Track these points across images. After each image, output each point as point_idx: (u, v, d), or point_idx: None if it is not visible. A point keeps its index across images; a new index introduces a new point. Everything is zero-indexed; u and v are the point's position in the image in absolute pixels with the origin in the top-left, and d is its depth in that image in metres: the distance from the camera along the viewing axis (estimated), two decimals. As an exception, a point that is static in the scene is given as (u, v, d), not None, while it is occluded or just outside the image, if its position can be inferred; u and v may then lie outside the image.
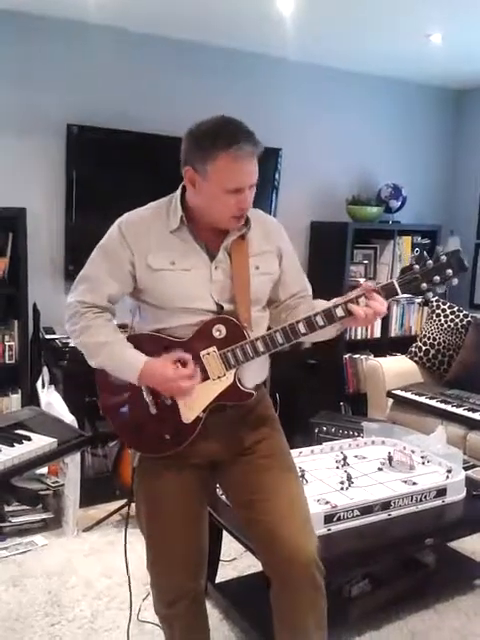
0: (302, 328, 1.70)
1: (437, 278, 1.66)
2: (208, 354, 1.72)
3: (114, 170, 3.78)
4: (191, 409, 1.75)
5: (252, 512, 1.80)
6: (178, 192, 1.78)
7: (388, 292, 1.69)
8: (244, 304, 1.75)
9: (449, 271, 1.65)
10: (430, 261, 1.66)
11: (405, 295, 1.73)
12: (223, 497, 2.36)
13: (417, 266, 1.67)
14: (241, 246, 1.78)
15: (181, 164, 1.72)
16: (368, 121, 4.75)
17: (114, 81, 3.81)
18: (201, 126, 1.68)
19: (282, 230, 1.93)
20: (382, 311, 1.68)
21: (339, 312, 1.68)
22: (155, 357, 1.71)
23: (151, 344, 1.76)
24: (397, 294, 1.69)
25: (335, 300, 1.73)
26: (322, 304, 1.79)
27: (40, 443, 1.87)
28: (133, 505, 3.04)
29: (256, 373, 1.85)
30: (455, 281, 1.67)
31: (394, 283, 1.69)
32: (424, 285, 1.67)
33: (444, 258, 1.65)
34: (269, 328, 1.81)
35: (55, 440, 1.90)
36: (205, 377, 1.73)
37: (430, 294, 1.69)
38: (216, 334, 1.72)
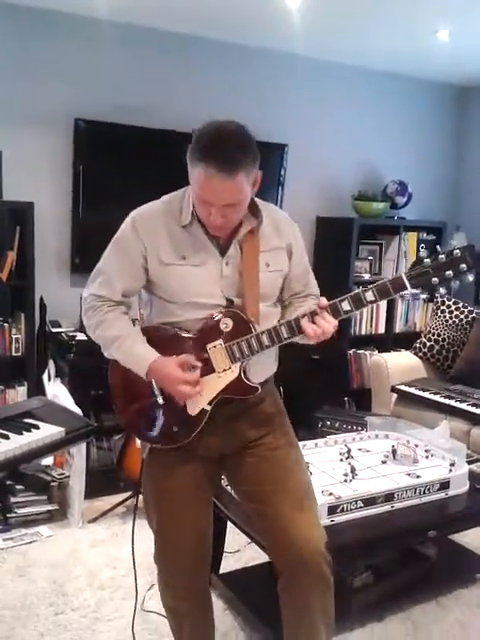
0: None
1: (450, 273, 1.60)
2: (214, 347, 1.74)
3: (121, 164, 3.80)
4: (196, 402, 1.76)
5: (260, 504, 1.82)
6: (190, 186, 1.76)
7: (396, 286, 1.65)
8: (252, 298, 1.76)
9: (463, 266, 1.60)
10: (442, 255, 1.60)
11: (414, 291, 1.66)
12: (228, 488, 2.38)
13: (428, 260, 1.62)
14: (252, 241, 1.78)
15: None
16: (374, 117, 4.76)
17: (121, 76, 3.83)
18: (204, 128, 1.65)
19: (295, 227, 1.92)
20: (328, 331, 1.68)
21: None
22: (164, 354, 1.74)
23: (160, 337, 1.78)
24: (406, 288, 1.65)
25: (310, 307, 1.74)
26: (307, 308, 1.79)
27: (48, 432, 1.88)
28: (140, 496, 3.06)
29: (263, 368, 1.86)
30: (470, 277, 1.61)
31: (403, 277, 1.65)
32: (435, 279, 1.62)
33: (458, 252, 1.60)
34: None
35: (63, 429, 1.92)
36: (211, 370, 1.75)
37: (442, 290, 1.63)
38: (223, 327, 1.74)
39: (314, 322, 1.68)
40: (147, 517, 1.97)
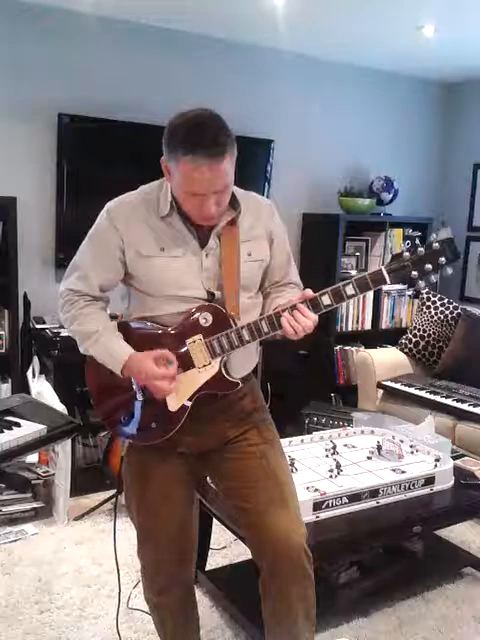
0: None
1: (429, 266, 1.59)
2: (194, 342, 1.72)
3: (105, 160, 3.77)
4: (176, 397, 1.74)
5: (241, 500, 1.81)
6: (171, 183, 1.72)
7: (376, 280, 1.64)
8: (232, 291, 1.73)
9: (442, 259, 1.59)
10: (422, 248, 1.60)
11: (396, 286, 1.68)
12: (213, 486, 2.38)
13: (408, 253, 1.62)
14: (232, 232, 1.76)
15: None
16: (360, 113, 4.76)
17: (106, 71, 3.80)
18: (175, 120, 1.61)
19: (274, 211, 1.88)
20: (307, 326, 1.64)
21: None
22: (142, 349, 1.71)
23: (138, 331, 1.76)
24: (385, 282, 1.63)
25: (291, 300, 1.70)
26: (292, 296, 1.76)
27: (30, 430, 1.87)
28: (123, 494, 3.04)
29: (244, 363, 1.85)
30: (449, 270, 1.62)
31: (382, 270, 1.63)
32: (415, 273, 1.61)
33: (437, 245, 1.59)
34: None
35: (45, 427, 1.90)
36: (191, 365, 1.73)
37: (422, 283, 1.62)
38: (202, 322, 1.71)
39: (293, 317, 1.65)
40: (128, 512, 1.96)
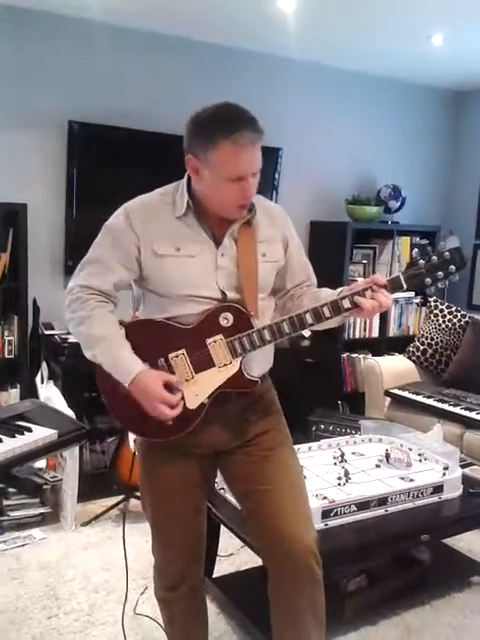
0: (309, 319, 1.70)
1: (440, 274, 1.69)
2: (214, 342, 1.72)
3: (114, 167, 3.79)
4: (196, 395, 1.75)
5: (252, 503, 1.82)
6: (185, 179, 1.76)
7: (394, 286, 1.71)
8: (251, 292, 1.75)
9: (452, 267, 1.69)
10: (434, 256, 1.69)
11: (407, 294, 1.76)
12: (221, 491, 2.38)
13: (422, 261, 1.70)
14: (248, 232, 1.77)
15: (184, 152, 1.71)
16: (368, 121, 4.77)
17: (115, 78, 3.82)
18: (202, 113, 1.66)
19: (287, 217, 1.92)
20: (387, 304, 1.70)
21: (346, 304, 1.70)
22: (160, 347, 1.72)
23: (156, 330, 1.76)
24: (402, 288, 1.71)
25: (341, 290, 1.75)
26: (327, 293, 1.81)
27: (41, 434, 1.87)
28: (131, 500, 3.05)
29: (261, 362, 1.85)
30: (457, 277, 1.70)
31: (400, 277, 1.71)
32: (428, 280, 1.70)
33: (447, 254, 1.69)
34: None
35: (56, 432, 1.90)
36: (211, 365, 1.74)
37: (432, 289, 1.73)
38: (223, 322, 1.72)
39: (372, 297, 1.69)
40: (143, 509, 1.97)
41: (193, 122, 1.67)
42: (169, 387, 1.71)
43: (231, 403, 1.80)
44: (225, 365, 1.74)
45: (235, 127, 1.60)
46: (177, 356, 1.74)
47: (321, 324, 1.74)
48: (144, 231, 1.73)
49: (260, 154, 1.67)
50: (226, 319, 1.72)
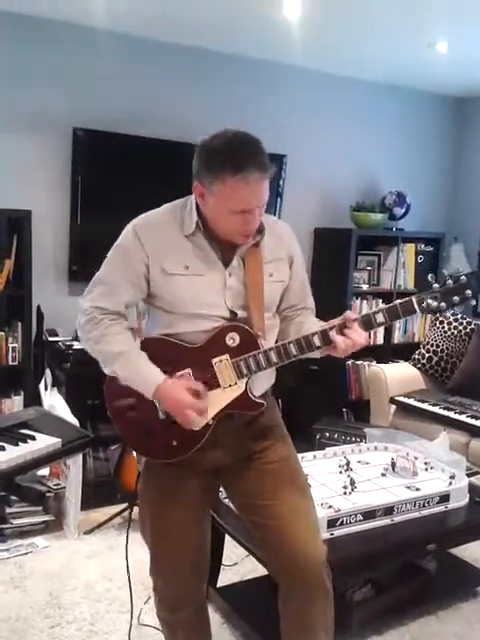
0: (317, 340, 1.69)
1: (456, 298, 1.66)
2: (220, 362, 1.71)
3: (119, 174, 3.80)
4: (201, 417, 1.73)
5: (259, 516, 1.80)
6: (193, 197, 1.74)
7: (406, 309, 1.67)
8: (258, 312, 1.74)
9: (468, 292, 1.65)
10: (450, 280, 1.66)
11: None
12: (226, 501, 2.36)
13: (437, 285, 1.67)
14: (255, 253, 1.77)
15: (193, 175, 1.69)
16: (373, 128, 4.77)
17: (120, 86, 3.83)
18: (213, 142, 1.63)
19: (294, 237, 1.90)
20: (359, 342, 1.67)
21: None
22: (166, 366, 1.71)
23: (162, 349, 1.75)
24: (415, 312, 1.68)
25: (331, 322, 1.72)
26: (309, 326, 1.78)
27: (45, 443, 1.86)
28: (135, 508, 3.03)
29: (263, 381, 1.84)
30: (473, 302, 1.68)
31: (413, 301, 1.67)
32: (443, 304, 1.67)
33: (464, 279, 1.65)
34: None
35: (59, 440, 1.90)
36: (216, 385, 1.72)
37: (447, 312, 1.70)
38: (229, 342, 1.71)
39: (343, 334, 1.66)
40: (142, 530, 1.94)
41: (203, 150, 1.65)
42: (194, 393, 1.69)
43: (234, 421, 1.78)
44: (230, 385, 1.72)
45: (243, 166, 1.57)
46: (182, 375, 1.73)
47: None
48: (153, 248, 1.73)
49: (267, 189, 1.65)
50: (233, 339, 1.71)
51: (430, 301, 1.66)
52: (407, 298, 1.68)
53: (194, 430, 1.73)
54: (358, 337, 1.66)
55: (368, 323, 1.68)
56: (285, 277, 1.85)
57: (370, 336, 4.57)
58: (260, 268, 1.76)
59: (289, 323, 1.88)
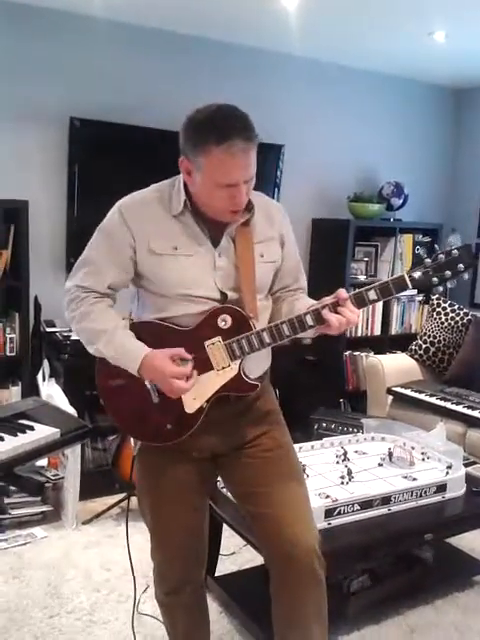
0: (310, 320, 1.67)
1: (448, 273, 1.63)
2: (213, 344, 1.69)
3: (116, 164, 3.77)
4: (194, 399, 1.72)
5: (253, 505, 1.80)
6: (181, 176, 1.71)
7: (398, 286, 1.64)
8: (250, 293, 1.71)
9: (460, 265, 1.62)
10: (442, 255, 1.63)
11: (410, 291, 1.69)
12: (224, 490, 2.37)
13: (428, 260, 1.64)
14: (245, 232, 1.74)
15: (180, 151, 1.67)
16: (370, 118, 4.76)
17: (117, 75, 3.81)
18: (198, 115, 1.60)
19: (285, 215, 1.87)
20: (353, 320, 1.65)
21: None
22: (156, 348, 1.68)
23: (153, 332, 1.73)
24: (407, 288, 1.65)
25: (312, 304, 1.72)
26: (301, 305, 1.77)
27: (43, 433, 1.87)
28: (133, 498, 3.03)
29: (259, 363, 1.83)
30: (466, 276, 1.65)
31: (405, 276, 1.64)
32: (435, 279, 1.64)
33: (456, 252, 1.62)
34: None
35: (58, 430, 1.90)
36: (209, 367, 1.71)
37: (440, 288, 1.67)
38: (221, 324, 1.69)
39: (337, 312, 1.65)
40: (142, 514, 1.94)
41: (187, 124, 1.62)
42: (177, 360, 1.67)
43: (230, 406, 1.77)
44: (223, 368, 1.70)
45: (227, 135, 1.54)
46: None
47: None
48: (140, 229, 1.70)
49: (254, 161, 1.62)
50: (224, 321, 1.69)
51: (422, 276, 1.64)
52: (399, 274, 1.66)
53: (188, 413, 1.72)
54: (352, 314, 1.65)
55: (361, 300, 1.67)
56: (277, 258, 1.83)
57: (367, 327, 4.60)
58: (251, 248, 1.74)
59: (282, 303, 1.86)
